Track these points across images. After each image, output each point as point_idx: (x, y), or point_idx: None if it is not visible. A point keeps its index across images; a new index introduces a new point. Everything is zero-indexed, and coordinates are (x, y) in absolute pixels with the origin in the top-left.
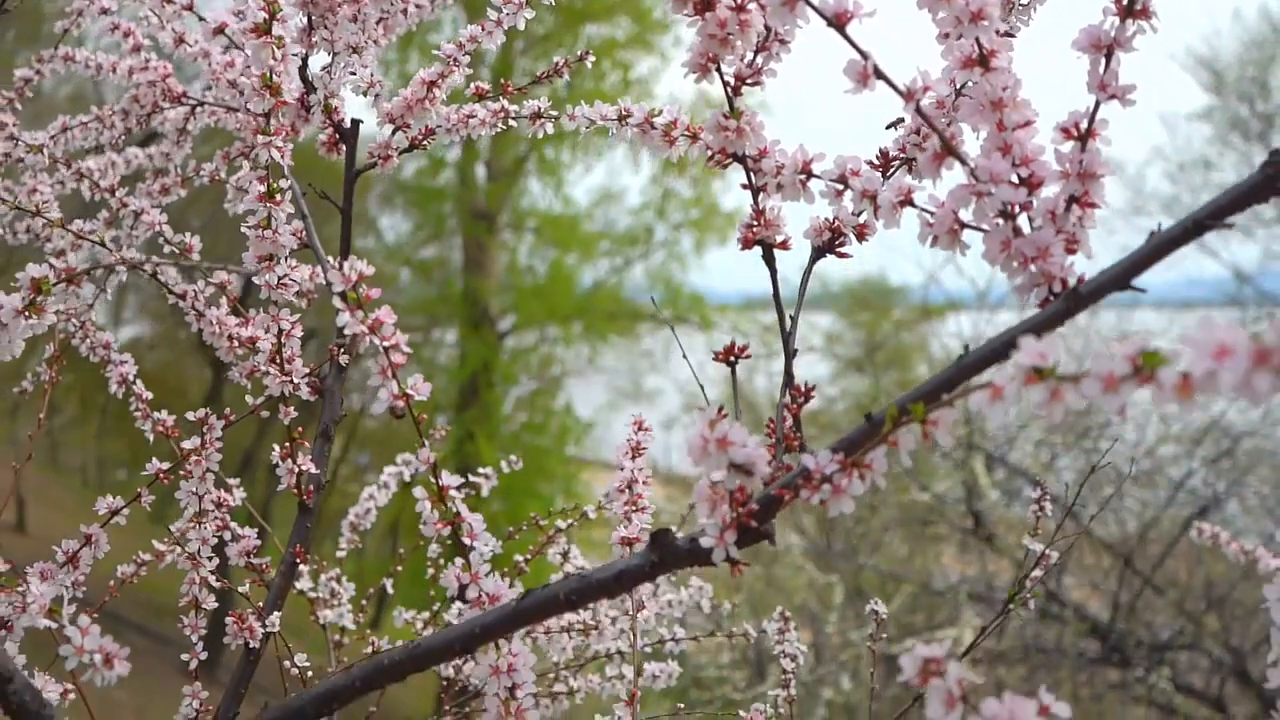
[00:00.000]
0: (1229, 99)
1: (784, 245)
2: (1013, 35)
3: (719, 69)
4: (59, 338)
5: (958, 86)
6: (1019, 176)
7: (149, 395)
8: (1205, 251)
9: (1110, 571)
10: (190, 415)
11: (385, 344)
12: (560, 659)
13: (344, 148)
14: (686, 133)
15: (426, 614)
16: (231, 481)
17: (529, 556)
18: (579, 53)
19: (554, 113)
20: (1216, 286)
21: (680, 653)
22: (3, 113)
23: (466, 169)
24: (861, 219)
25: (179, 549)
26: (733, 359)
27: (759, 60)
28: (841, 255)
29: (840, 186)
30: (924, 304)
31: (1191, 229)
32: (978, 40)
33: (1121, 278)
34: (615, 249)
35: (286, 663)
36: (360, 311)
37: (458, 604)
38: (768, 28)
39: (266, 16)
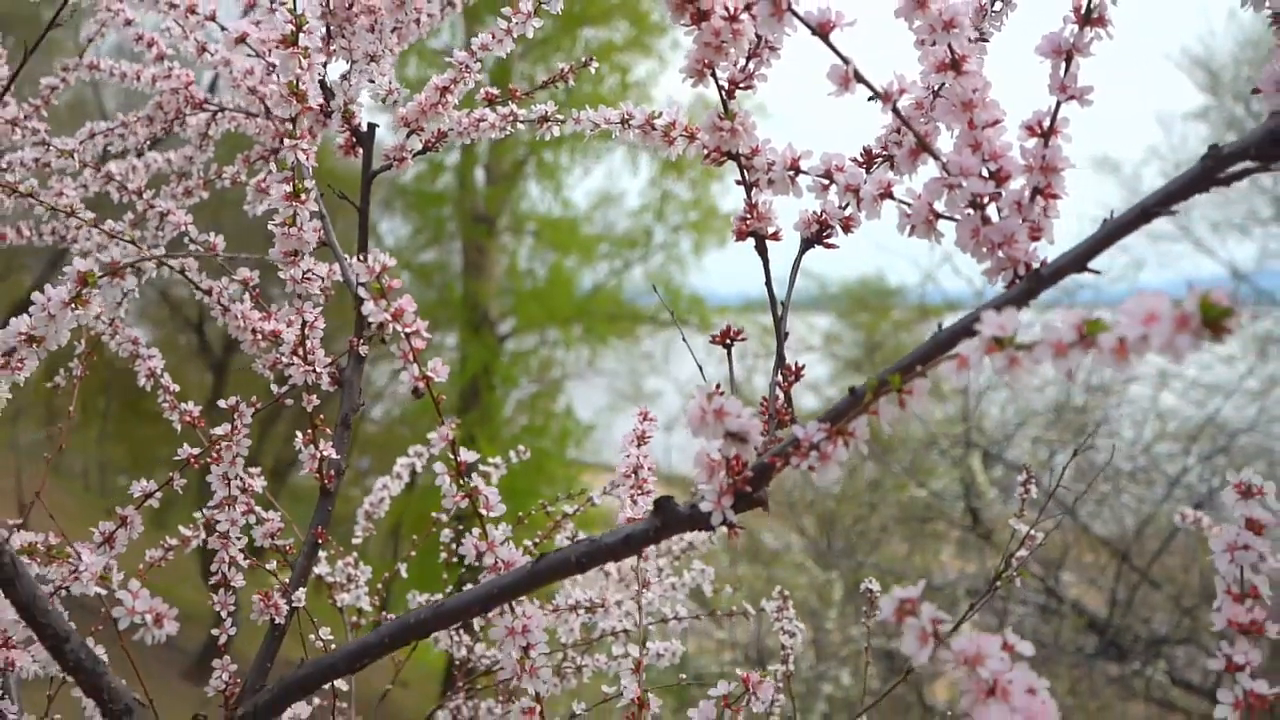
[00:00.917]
0: (1224, 98)
1: (775, 236)
2: (986, 40)
3: (714, 74)
4: (88, 334)
5: (934, 88)
6: (988, 171)
7: (175, 387)
8: (1202, 250)
9: (1107, 568)
10: (222, 403)
11: (406, 330)
12: (569, 640)
13: (361, 150)
14: (685, 133)
15: (440, 596)
16: (254, 470)
17: (537, 541)
18: (583, 59)
19: (560, 116)
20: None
21: (684, 654)
22: (30, 119)
23: (466, 173)
24: (847, 212)
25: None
26: (729, 341)
27: (751, 66)
28: (828, 246)
29: (826, 181)
30: (922, 304)
31: (1140, 215)
32: (950, 46)
33: (1078, 261)
34: (614, 251)
35: (311, 636)
36: (384, 300)
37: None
38: (759, 36)
39: (294, 29)
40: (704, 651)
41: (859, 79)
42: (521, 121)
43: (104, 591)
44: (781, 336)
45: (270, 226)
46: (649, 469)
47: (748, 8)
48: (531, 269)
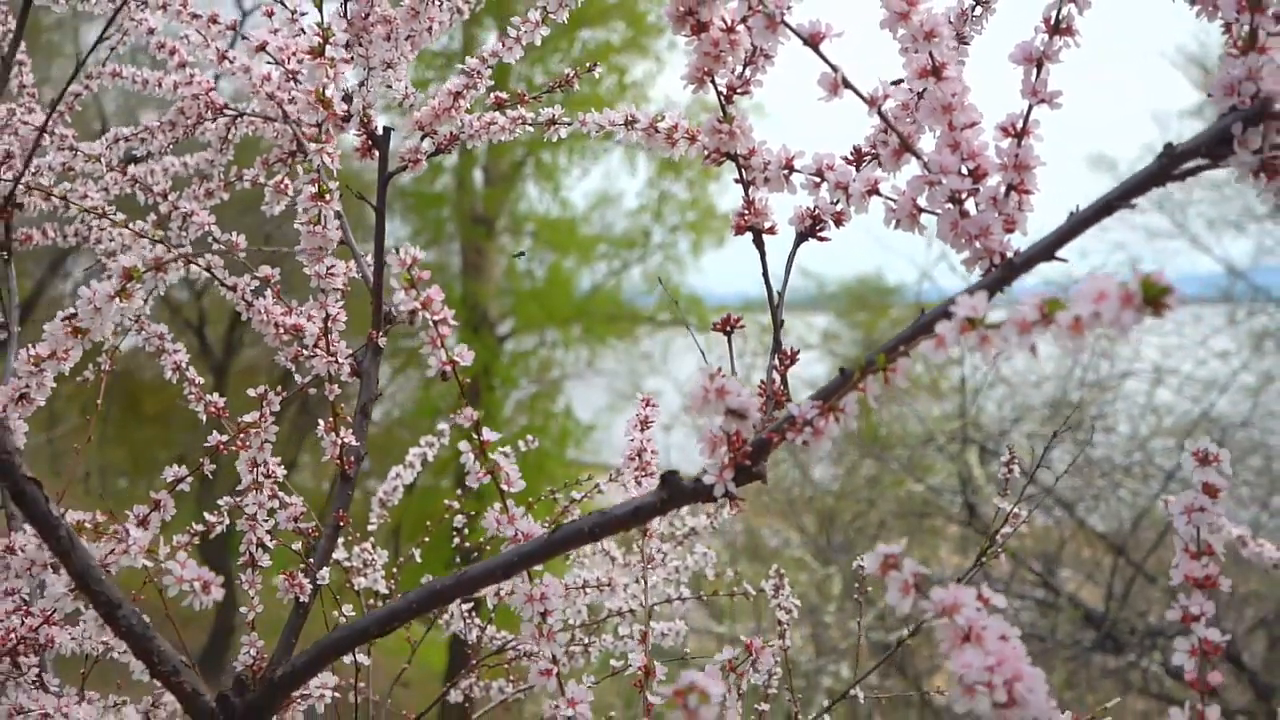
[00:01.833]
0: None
1: (771, 230)
2: (967, 43)
3: (713, 80)
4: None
5: (918, 92)
6: (966, 169)
7: (200, 380)
8: (1199, 248)
9: (1103, 562)
10: (251, 392)
11: (435, 318)
12: (576, 621)
13: (377, 153)
14: (686, 135)
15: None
16: (274, 459)
17: (546, 524)
18: (587, 65)
19: (567, 119)
20: (1210, 282)
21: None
22: (57, 125)
23: (464, 174)
24: (838, 207)
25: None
26: (729, 329)
27: (748, 73)
28: (821, 239)
29: (818, 179)
30: (919, 302)
31: (1103, 208)
32: (931, 54)
33: (1047, 250)
34: (613, 252)
35: (335, 612)
36: (414, 290)
37: None
38: (754, 45)
39: (322, 40)
40: (705, 652)
41: (847, 85)
42: (530, 124)
43: (150, 564)
44: (778, 323)
45: (296, 225)
46: (652, 452)
47: (744, 20)
48: (530, 270)
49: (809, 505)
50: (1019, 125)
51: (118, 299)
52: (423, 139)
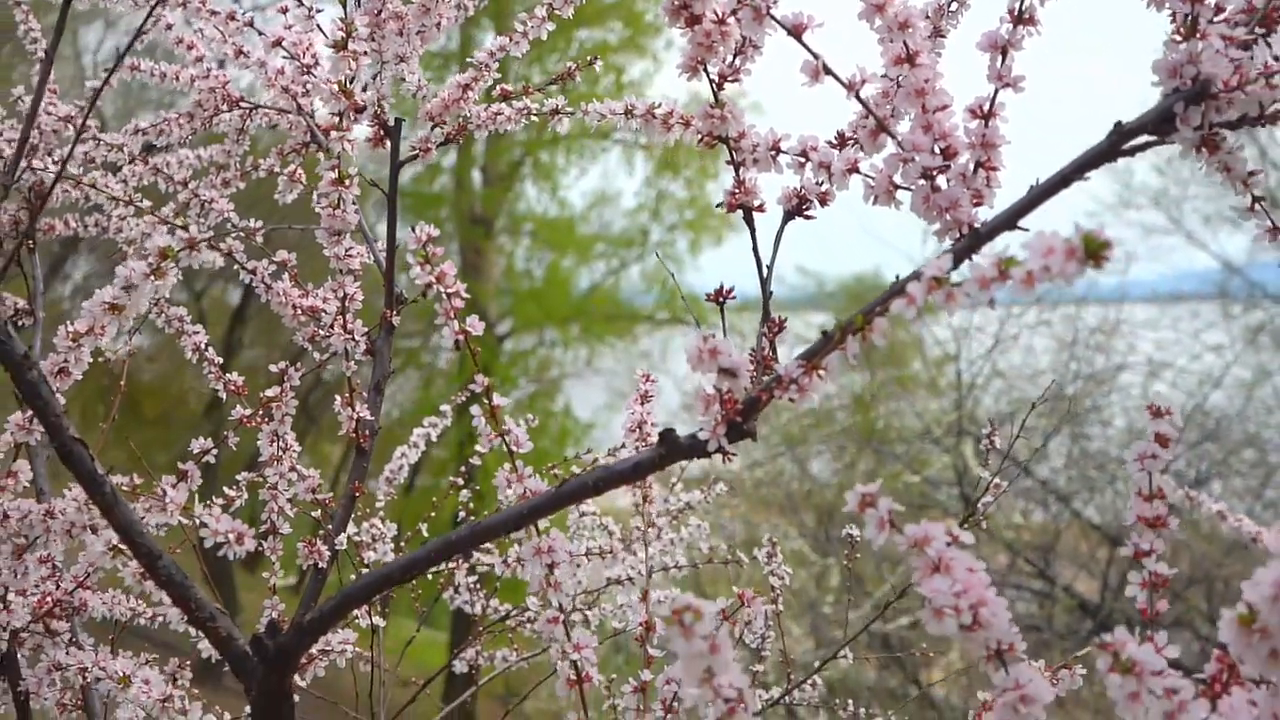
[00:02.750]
0: None
1: (760, 208)
2: (943, 36)
3: (706, 69)
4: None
5: (895, 79)
6: (938, 148)
7: (219, 360)
8: (1194, 244)
9: (1099, 553)
10: (273, 367)
11: (449, 291)
12: (576, 590)
13: (389, 142)
14: (681, 120)
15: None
16: (291, 437)
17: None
18: (588, 59)
19: (570, 109)
20: (1206, 278)
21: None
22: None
23: (462, 174)
24: (823, 187)
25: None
26: (721, 300)
27: (738, 61)
28: (807, 217)
29: (802, 159)
30: None
31: (1060, 181)
32: (905, 43)
33: (1010, 220)
34: (611, 251)
35: (352, 576)
36: (429, 265)
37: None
38: (744, 36)
39: (345, 35)
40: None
41: (827, 71)
42: (535, 115)
43: (186, 521)
44: (766, 294)
45: (315, 208)
46: (652, 425)
47: (734, 13)
48: (529, 269)
49: (807, 500)
50: (985, 108)
51: (152, 277)
52: (432, 129)
